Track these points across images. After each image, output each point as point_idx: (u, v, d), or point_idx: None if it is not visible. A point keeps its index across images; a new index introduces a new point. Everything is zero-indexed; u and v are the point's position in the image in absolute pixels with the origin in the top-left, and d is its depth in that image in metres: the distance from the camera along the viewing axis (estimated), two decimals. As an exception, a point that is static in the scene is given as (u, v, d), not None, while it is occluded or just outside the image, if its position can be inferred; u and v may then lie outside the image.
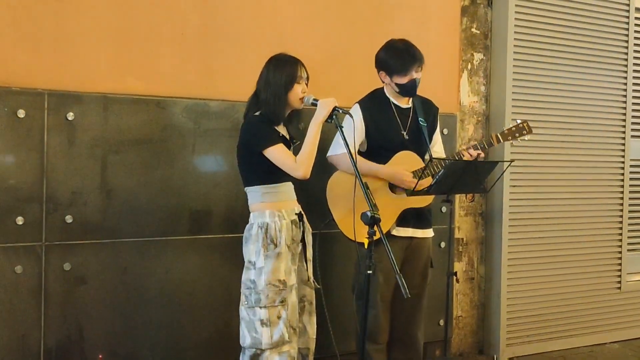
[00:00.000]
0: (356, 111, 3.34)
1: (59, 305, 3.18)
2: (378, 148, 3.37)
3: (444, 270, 3.64)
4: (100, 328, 3.26)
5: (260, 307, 2.93)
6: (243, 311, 2.99)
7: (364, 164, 3.27)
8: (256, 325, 2.94)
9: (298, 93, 3.00)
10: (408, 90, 3.38)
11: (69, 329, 3.20)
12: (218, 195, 3.51)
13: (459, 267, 4.45)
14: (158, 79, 3.40)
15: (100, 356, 3.25)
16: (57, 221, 3.15)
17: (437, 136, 3.59)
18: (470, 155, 3.35)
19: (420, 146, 3.43)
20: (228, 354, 3.49)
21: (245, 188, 3.07)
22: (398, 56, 3.34)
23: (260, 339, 2.92)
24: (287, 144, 3.03)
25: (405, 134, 3.41)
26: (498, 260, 4.46)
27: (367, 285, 2.78)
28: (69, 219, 3.17)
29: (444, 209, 4.08)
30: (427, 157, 3.41)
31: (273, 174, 2.97)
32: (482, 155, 3.40)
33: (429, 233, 3.50)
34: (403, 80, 3.34)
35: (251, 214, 3.04)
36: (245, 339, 2.97)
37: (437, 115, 3.59)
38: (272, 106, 2.97)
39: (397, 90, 3.39)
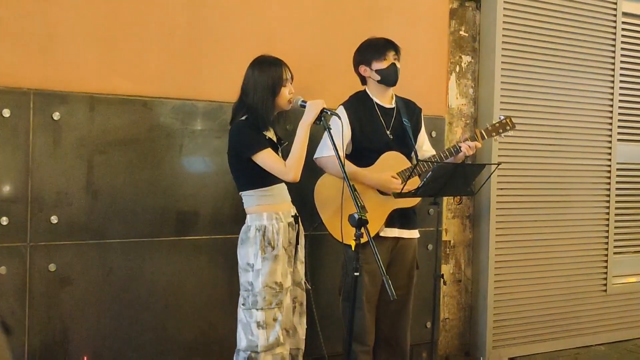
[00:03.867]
0: (341, 113, 3.32)
1: (44, 307, 3.15)
2: (363, 149, 3.37)
3: (431, 272, 3.65)
4: (85, 329, 3.24)
5: (257, 309, 2.93)
6: (240, 313, 2.99)
7: (351, 169, 3.25)
8: (252, 328, 2.93)
9: (285, 95, 2.99)
10: (389, 76, 3.38)
11: (54, 330, 3.17)
12: (205, 196, 3.49)
13: (446, 269, 4.46)
14: (145, 79, 3.38)
15: (84, 357, 3.23)
16: (42, 222, 3.12)
17: (423, 136, 3.60)
18: (469, 147, 3.36)
19: (405, 146, 3.43)
20: (213, 356, 3.49)
21: (240, 193, 3.06)
22: (373, 43, 3.42)
23: (257, 341, 2.92)
24: (275, 146, 3.02)
25: (389, 133, 3.42)
26: (485, 263, 4.47)
27: (354, 286, 2.78)
28: (54, 219, 3.14)
29: (431, 211, 4.08)
30: (412, 156, 3.42)
31: (265, 178, 2.97)
32: (479, 145, 3.41)
33: (414, 234, 3.50)
34: (383, 64, 3.36)
35: (248, 216, 3.02)
36: (241, 341, 2.97)
37: (421, 115, 3.60)
38: (260, 111, 2.95)
39: (379, 79, 3.39)
